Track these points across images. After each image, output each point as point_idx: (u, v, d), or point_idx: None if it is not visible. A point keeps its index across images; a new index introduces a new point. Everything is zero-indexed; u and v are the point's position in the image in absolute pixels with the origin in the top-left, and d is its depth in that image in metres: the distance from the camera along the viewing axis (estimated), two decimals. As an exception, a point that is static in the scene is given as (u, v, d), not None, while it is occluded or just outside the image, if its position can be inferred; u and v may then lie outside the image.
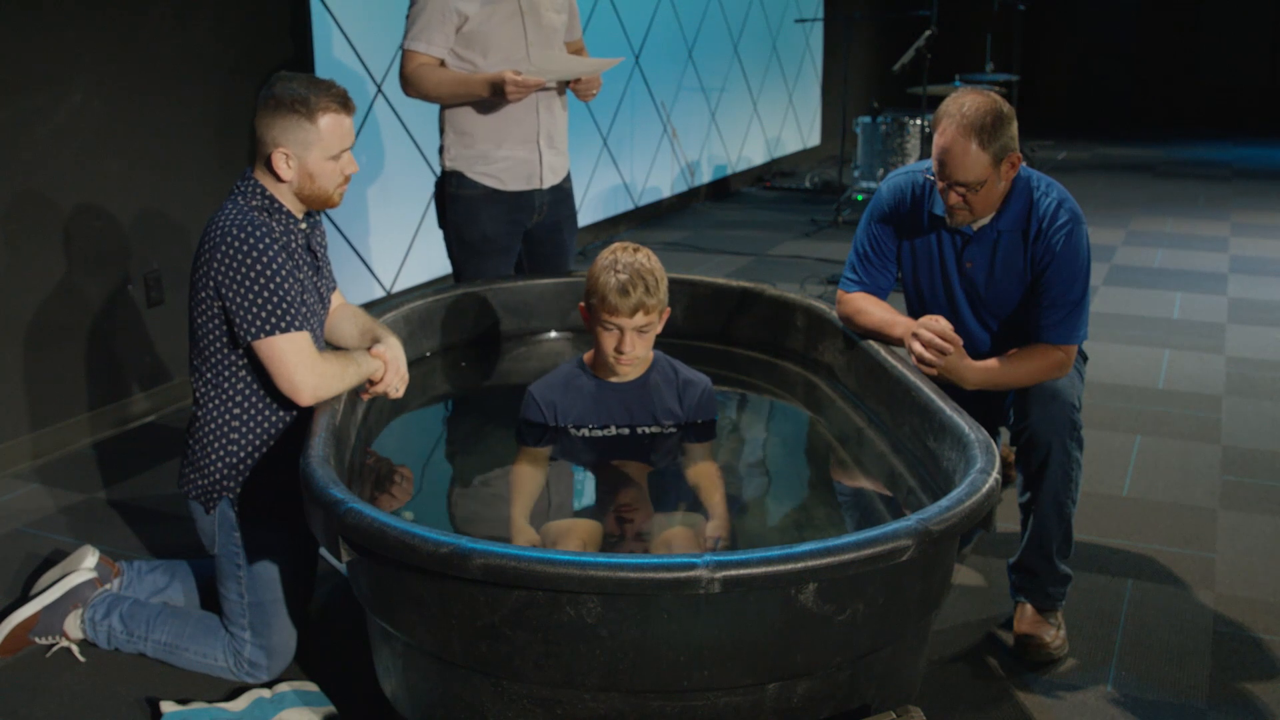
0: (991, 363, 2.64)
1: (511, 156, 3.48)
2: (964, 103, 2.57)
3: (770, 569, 1.73)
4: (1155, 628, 2.75)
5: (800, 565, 1.74)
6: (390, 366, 2.59)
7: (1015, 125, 2.60)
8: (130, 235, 4.01)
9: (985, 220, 2.70)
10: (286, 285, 2.37)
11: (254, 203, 2.45)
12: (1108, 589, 2.93)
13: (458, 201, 3.51)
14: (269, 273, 2.35)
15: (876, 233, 2.87)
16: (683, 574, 1.71)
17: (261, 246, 2.35)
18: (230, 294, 2.35)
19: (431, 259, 5.63)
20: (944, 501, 1.95)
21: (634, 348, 2.64)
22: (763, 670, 1.86)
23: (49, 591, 2.62)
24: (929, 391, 2.49)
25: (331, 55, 4.85)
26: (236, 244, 2.34)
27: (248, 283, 2.34)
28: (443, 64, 3.39)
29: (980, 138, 2.53)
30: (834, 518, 2.58)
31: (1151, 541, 3.18)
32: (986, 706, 2.45)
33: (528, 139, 3.49)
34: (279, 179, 2.45)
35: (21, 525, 3.30)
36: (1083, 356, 2.86)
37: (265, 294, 2.34)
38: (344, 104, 2.46)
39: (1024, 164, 2.70)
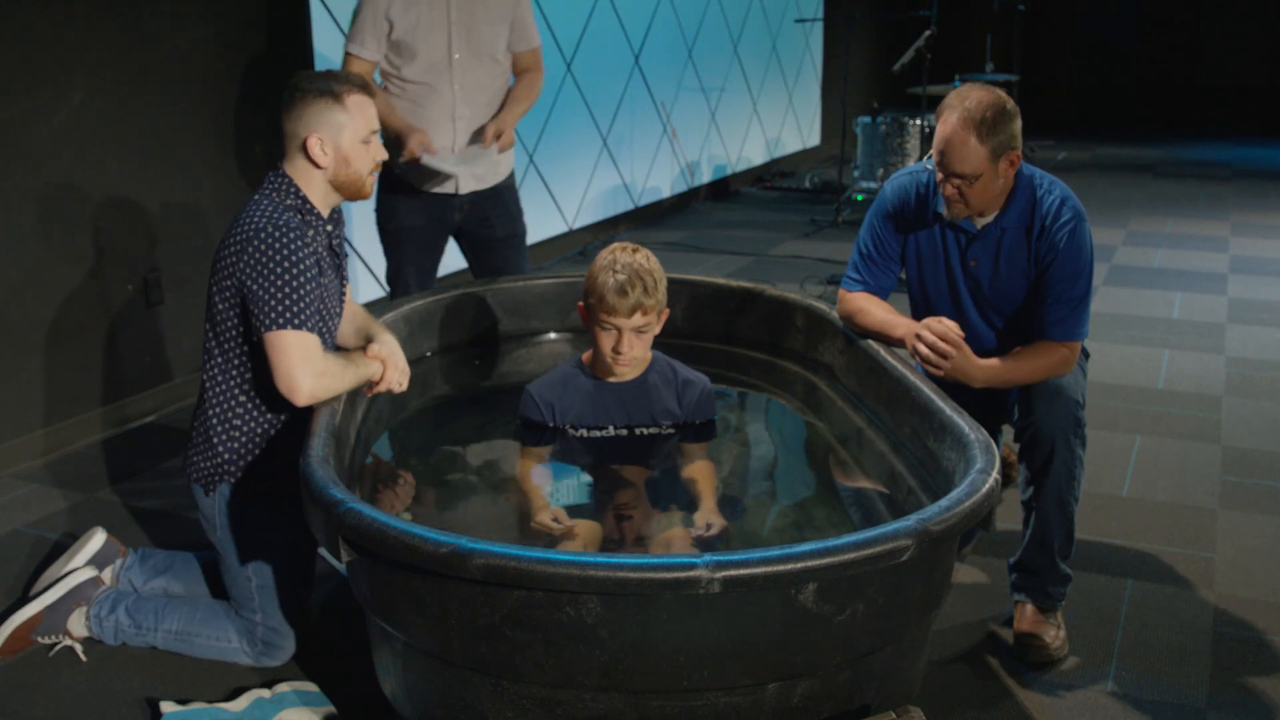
0: (997, 361, 2.65)
1: (424, 162, 3.53)
2: (969, 96, 2.60)
3: (770, 569, 1.73)
4: (1155, 628, 2.75)
5: (800, 565, 1.74)
6: (389, 363, 2.61)
7: (1019, 123, 2.61)
8: (130, 235, 4.01)
9: (989, 218, 2.71)
10: (308, 287, 2.40)
11: (288, 201, 2.48)
12: (1108, 589, 2.93)
13: (381, 192, 3.66)
14: (294, 271, 2.38)
15: (880, 232, 2.87)
16: (683, 574, 1.71)
17: (293, 248, 2.38)
18: (253, 286, 2.38)
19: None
20: (944, 501, 1.95)
21: (632, 348, 2.65)
22: (763, 670, 1.86)
23: (50, 591, 2.63)
24: (929, 391, 2.49)
25: (331, 55, 4.84)
26: (269, 241, 2.37)
27: (272, 277, 2.37)
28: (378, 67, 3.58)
29: (980, 130, 2.55)
30: (834, 518, 2.58)
31: (1151, 541, 3.18)
32: (986, 706, 2.45)
33: (441, 148, 3.58)
34: (316, 166, 2.49)
35: (22, 525, 3.30)
36: (1085, 354, 2.87)
37: (286, 290, 2.37)
38: (365, 88, 2.53)
39: (1025, 163, 2.71)
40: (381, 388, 2.61)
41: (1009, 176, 2.64)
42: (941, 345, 2.59)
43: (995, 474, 2.07)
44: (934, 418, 2.41)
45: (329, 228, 2.58)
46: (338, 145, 2.49)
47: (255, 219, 2.42)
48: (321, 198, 2.54)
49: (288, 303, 2.37)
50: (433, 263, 3.76)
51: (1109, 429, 3.99)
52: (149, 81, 4.01)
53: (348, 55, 3.53)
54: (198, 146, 4.21)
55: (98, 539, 2.77)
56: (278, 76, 4.56)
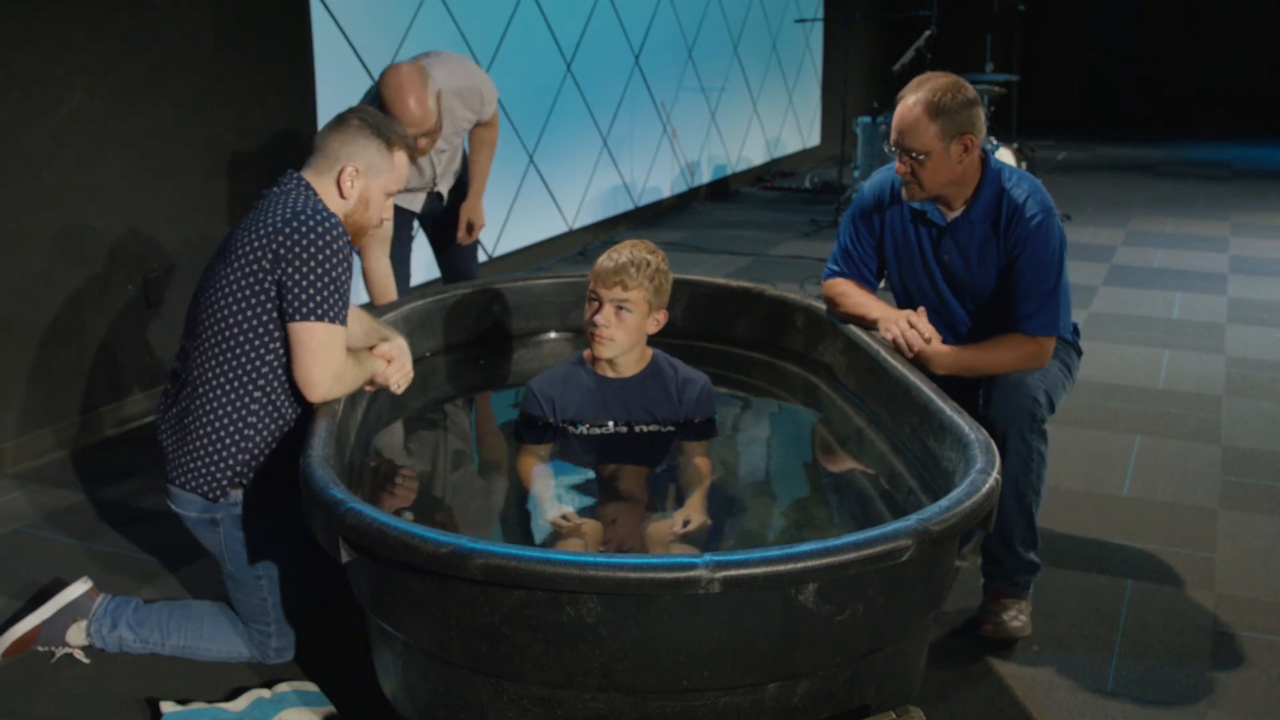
0: (962, 349, 2.71)
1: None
2: (929, 78, 2.69)
3: (770, 569, 1.73)
4: (1155, 628, 2.75)
5: (800, 565, 1.74)
6: (395, 363, 2.62)
7: (978, 111, 2.67)
8: (130, 235, 4.00)
9: (957, 212, 2.76)
10: (345, 279, 2.39)
11: (314, 197, 2.46)
12: (1108, 589, 2.93)
13: None
14: (336, 259, 2.36)
15: (858, 226, 2.94)
16: (683, 574, 1.71)
17: (336, 233, 2.37)
18: (291, 270, 2.34)
19: (430, 260, 5.62)
20: (944, 501, 1.96)
21: (609, 324, 2.68)
22: (763, 670, 1.86)
23: (46, 606, 2.58)
24: (929, 391, 2.49)
25: (331, 55, 4.85)
26: (312, 223, 2.35)
27: (313, 263, 2.34)
28: None
29: (930, 109, 2.62)
30: (834, 518, 2.58)
31: (1151, 541, 3.18)
32: (986, 706, 2.45)
33: (425, 179, 3.83)
34: (340, 195, 2.49)
35: (20, 525, 3.30)
36: (1076, 351, 2.88)
37: (327, 279, 2.35)
38: (412, 151, 2.58)
39: (1003, 158, 2.74)
40: (380, 382, 2.61)
41: (965, 163, 2.68)
42: (918, 341, 2.71)
43: (995, 474, 2.07)
44: (934, 418, 2.41)
45: None
46: (368, 185, 2.51)
47: (294, 204, 2.39)
48: None
49: (326, 292, 2.35)
50: (407, 251, 3.95)
51: (1109, 429, 3.99)
52: (149, 81, 4.01)
53: None
54: (198, 146, 4.21)
55: (77, 588, 2.64)
56: (278, 77, 4.56)
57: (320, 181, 2.49)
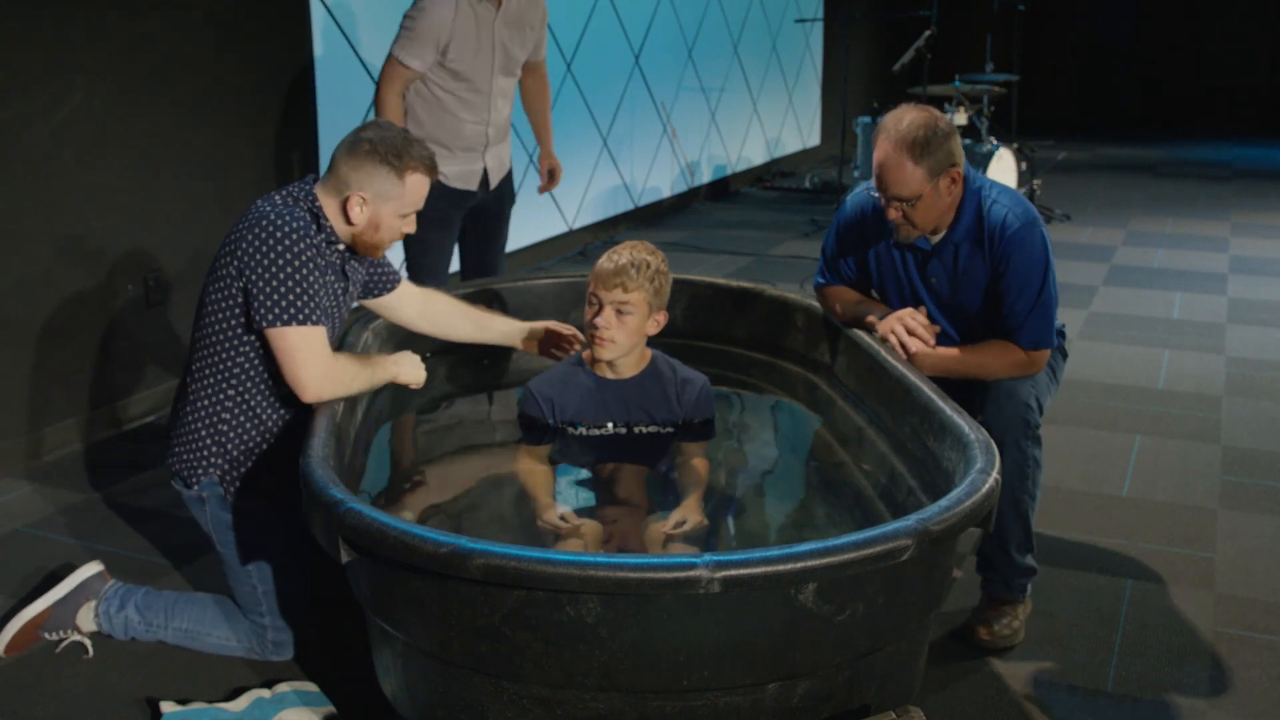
0: (948, 351, 2.71)
1: (456, 161, 3.79)
2: (902, 118, 2.63)
3: (770, 569, 1.73)
4: (1155, 628, 2.76)
5: (800, 565, 1.74)
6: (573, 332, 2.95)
7: (955, 141, 2.64)
8: (130, 235, 4.01)
9: (940, 235, 2.74)
10: (311, 279, 2.38)
11: (304, 206, 2.47)
12: (1108, 589, 2.93)
13: None
14: (296, 263, 2.36)
15: (842, 245, 2.94)
16: (683, 574, 1.71)
17: (295, 238, 2.37)
18: (254, 277, 2.36)
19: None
20: (944, 501, 1.95)
21: (609, 325, 2.69)
22: (762, 670, 1.86)
23: (58, 587, 2.62)
24: (929, 391, 2.49)
25: (331, 55, 4.85)
26: (271, 229, 2.36)
27: (274, 269, 2.35)
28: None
29: (913, 153, 2.57)
30: (834, 518, 2.58)
31: (1151, 541, 3.18)
32: (986, 706, 2.45)
33: (474, 147, 3.82)
34: (347, 221, 2.49)
35: (21, 525, 3.30)
36: (1062, 354, 2.89)
37: (289, 284, 2.35)
38: (431, 169, 2.53)
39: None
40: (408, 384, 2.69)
41: (954, 194, 2.66)
42: (921, 333, 2.70)
43: (995, 474, 2.07)
44: (934, 417, 2.41)
45: (340, 247, 2.53)
46: (376, 212, 2.49)
47: (262, 208, 2.41)
48: (339, 231, 2.52)
49: (291, 296, 2.35)
50: (451, 243, 3.96)
51: (1109, 429, 3.99)
52: (149, 81, 4.01)
53: (397, 62, 3.64)
54: (198, 147, 4.21)
55: (90, 568, 2.69)
56: (278, 77, 4.56)
57: (329, 201, 2.49)
